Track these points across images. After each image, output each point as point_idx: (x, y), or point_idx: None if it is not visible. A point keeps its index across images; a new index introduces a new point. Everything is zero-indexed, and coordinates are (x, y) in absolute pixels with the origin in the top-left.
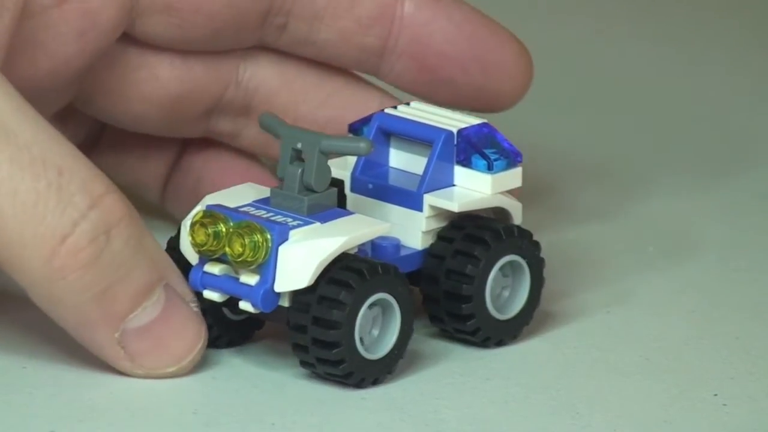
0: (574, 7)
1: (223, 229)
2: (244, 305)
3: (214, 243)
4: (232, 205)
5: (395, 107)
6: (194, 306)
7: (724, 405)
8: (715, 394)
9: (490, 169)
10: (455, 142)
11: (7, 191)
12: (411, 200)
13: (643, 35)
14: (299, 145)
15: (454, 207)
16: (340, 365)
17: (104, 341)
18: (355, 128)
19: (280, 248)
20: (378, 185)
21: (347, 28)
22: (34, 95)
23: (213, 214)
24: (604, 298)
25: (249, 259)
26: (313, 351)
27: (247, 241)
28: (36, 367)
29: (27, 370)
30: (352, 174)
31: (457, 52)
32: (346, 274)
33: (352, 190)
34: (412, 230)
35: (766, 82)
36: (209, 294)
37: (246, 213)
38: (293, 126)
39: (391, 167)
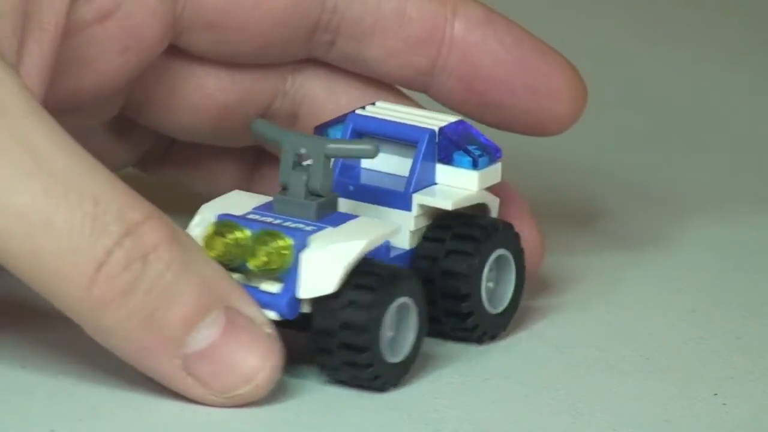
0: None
1: (242, 238)
2: (268, 315)
3: (235, 252)
4: (236, 214)
5: (363, 107)
6: (266, 328)
7: (724, 405)
8: (715, 394)
9: (475, 165)
10: (437, 140)
11: (43, 224)
12: (399, 200)
13: (639, 33)
14: (303, 151)
15: (448, 205)
16: (368, 369)
17: (166, 369)
18: (321, 131)
19: (302, 255)
20: (360, 186)
21: (395, 48)
22: (78, 110)
23: (228, 223)
24: (604, 298)
25: (274, 267)
26: (339, 355)
27: (271, 249)
28: (36, 367)
29: (27, 370)
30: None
31: (506, 76)
32: (372, 279)
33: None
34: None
35: (766, 81)
36: None
37: (259, 221)
38: (294, 131)
39: (364, 168)
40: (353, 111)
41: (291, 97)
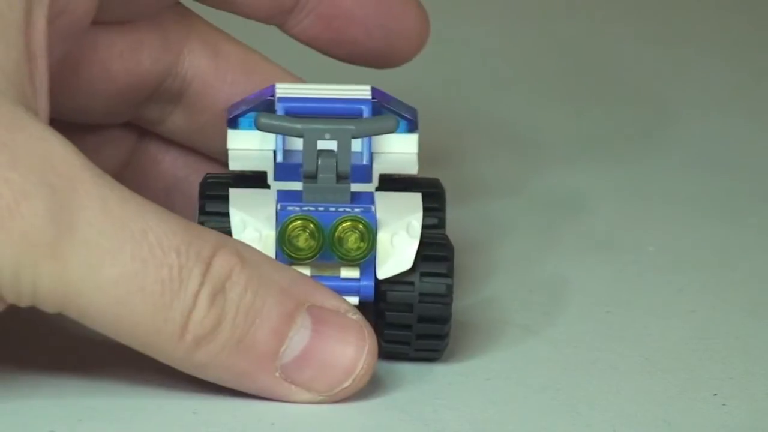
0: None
1: (319, 231)
2: (348, 300)
3: (320, 244)
4: (260, 211)
5: (273, 88)
6: (352, 314)
7: (724, 405)
8: (715, 394)
9: (411, 129)
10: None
11: (135, 289)
12: (359, 173)
13: (640, 36)
14: (327, 136)
15: (414, 170)
16: (445, 339)
17: (269, 385)
18: (235, 119)
19: (378, 241)
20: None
21: None
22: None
23: (303, 216)
24: (604, 298)
25: (365, 252)
26: (417, 329)
27: (360, 234)
28: (36, 368)
29: (27, 370)
30: (276, 163)
31: (364, 16)
32: (437, 249)
33: (278, 178)
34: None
35: (766, 81)
36: None
37: (324, 211)
38: (309, 119)
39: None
40: (270, 97)
41: (182, 76)
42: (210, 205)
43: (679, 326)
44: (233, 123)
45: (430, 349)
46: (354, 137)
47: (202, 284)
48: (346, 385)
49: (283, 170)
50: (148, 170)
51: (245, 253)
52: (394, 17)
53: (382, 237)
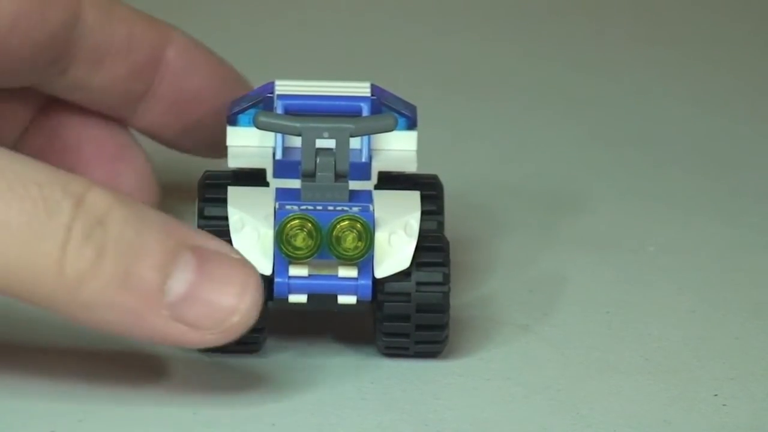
0: (572, 8)
1: (317, 230)
2: (346, 299)
3: (318, 243)
4: (258, 210)
5: (272, 85)
6: (233, 254)
7: (724, 405)
8: (715, 394)
9: (410, 126)
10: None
11: (1, 225)
12: (358, 171)
13: (639, 36)
14: (325, 135)
15: (413, 168)
16: (444, 330)
17: (157, 324)
18: (234, 116)
19: (376, 240)
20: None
21: (120, 74)
22: None
23: (301, 216)
24: (604, 298)
25: (362, 251)
26: (416, 318)
27: (358, 233)
28: (36, 368)
29: (27, 370)
30: (275, 160)
31: (211, 96)
32: (433, 240)
33: (277, 176)
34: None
35: (765, 82)
36: (294, 298)
37: (321, 210)
38: (307, 117)
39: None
40: (269, 94)
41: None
42: (208, 206)
43: (679, 326)
44: (232, 120)
45: (430, 341)
46: (352, 136)
47: (74, 217)
48: (234, 320)
49: (282, 167)
50: (49, 138)
51: (122, 196)
52: (239, 92)
53: (380, 236)
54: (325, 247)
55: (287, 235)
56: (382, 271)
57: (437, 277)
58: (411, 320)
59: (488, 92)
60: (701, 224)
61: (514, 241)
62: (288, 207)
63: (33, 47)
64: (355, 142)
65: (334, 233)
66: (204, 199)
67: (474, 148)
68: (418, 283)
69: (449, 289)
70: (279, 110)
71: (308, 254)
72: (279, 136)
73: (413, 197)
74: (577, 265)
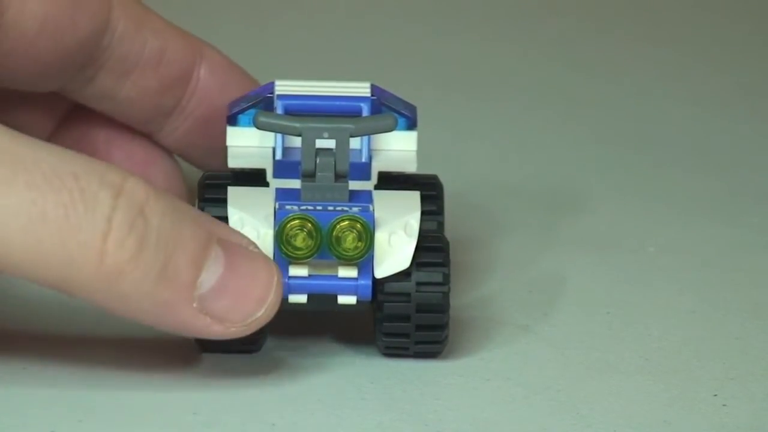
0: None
1: (317, 230)
2: (346, 300)
3: (318, 243)
4: (258, 210)
5: (272, 85)
6: (252, 247)
7: (724, 405)
8: (715, 394)
9: (410, 126)
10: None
11: (37, 217)
12: (358, 171)
13: (640, 37)
14: (325, 135)
15: (413, 168)
16: (444, 330)
17: (187, 316)
18: (234, 116)
19: (376, 240)
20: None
21: (149, 87)
22: None
23: (301, 216)
24: (604, 298)
25: (362, 251)
26: (416, 319)
27: (358, 234)
28: (36, 367)
29: (27, 370)
30: (275, 160)
31: None
32: (433, 240)
33: (277, 176)
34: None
35: (765, 82)
36: (294, 298)
37: (321, 210)
38: (307, 117)
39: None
40: (269, 94)
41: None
42: (208, 207)
43: (679, 326)
44: (233, 120)
45: (430, 341)
46: (352, 136)
47: (114, 208)
48: (258, 314)
49: (282, 168)
50: (77, 141)
51: (156, 187)
52: None
53: (380, 236)
54: (325, 247)
55: (287, 235)
56: (382, 271)
57: (437, 277)
58: (411, 320)
59: (488, 92)
60: (701, 224)
61: (514, 241)
62: (288, 207)
63: (60, 51)
64: (355, 143)
65: (334, 233)
66: (204, 200)
67: (474, 149)
68: (418, 284)
69: (449, 289)
70: (279, 110)
71: (308, 254)
72: (279, 136)
73: (413, 197)
74: (577, 266)
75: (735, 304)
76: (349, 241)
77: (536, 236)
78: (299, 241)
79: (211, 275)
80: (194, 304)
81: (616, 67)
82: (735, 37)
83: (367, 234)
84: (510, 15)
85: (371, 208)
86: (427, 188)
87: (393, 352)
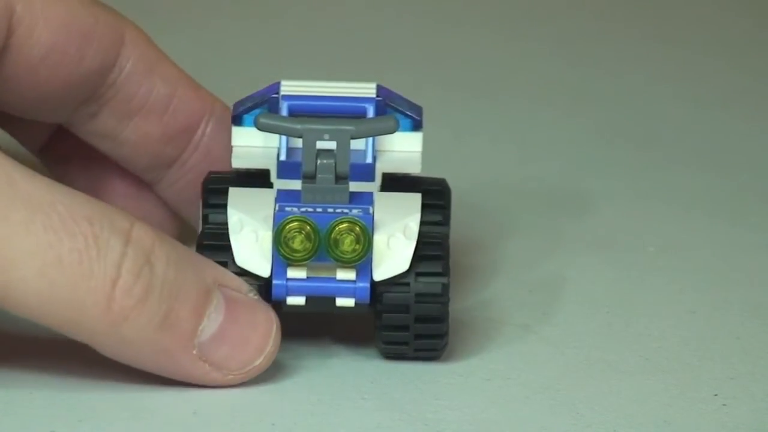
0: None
1: (316, 232)
2: (344, 302)
3: (316, 246)
4: (258, 211)
5: (278, 85)
6: (252, 295)
7: (724, 405)
8: (715, 394)
9: (416, 127)
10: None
11: (53, 261)
12: (361, 172)
13: (641, 36)
14: (326, 137)
15: (417, 169)
16: (443, 338)
17: (186, 363)
18: (239, 116)
19: (375, 243)
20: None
21: (153, 134)
22: None
23: (299, 218)
24: (604, 298)
25: (360, 254)
26: (415, 329)
27: (355, 236)
28: (36, 367)
29: (27, 370)
30: (279, 160)
31: None
32: (433, 248)
33: (280, 176)
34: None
35: (765, 82)
36: (293, 300)
37: (321, 212)
38: (308, 119)
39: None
40: (275, 94)
41: (113, 79)
42: (212, 204)
43: (679, 326)
44: (237, 120)
45: (429, 348)
46: (353, 138)
47: (124, 254)
48: (257, 363)
49: (286, 168)
50: (75, 147)
51: (160, 232)
52: None
53: (379, 239)
54: (323, 249)
55: (285, 237)
56: (380, 273)
57: (436, 288)
58: (410, 330)
59: (491, 93)
60: (701, 224)
61: (514, 242)
62: (288, 209)
63: (63, 82)
64: (359, 143)
65: (332, 236)
66: (208, 206)
67: (476, 149)
68: (417, 295)
69: (448, 300)
70: (284, 111)
71: (306, 257)
72: (283, 136)
73: (414, 200)
74: (577, 266)
75: (735, 304)
76: (347, 243)
77: (537, 236)
78: (297, 244)
79: (211, 323)
80: (194, 352)
81: (617, 67)
82: (736, 36)
83: (365, 237)
84: (512, 13)
85: (371, 210)
86: (434, 196)
87: (392, 356)
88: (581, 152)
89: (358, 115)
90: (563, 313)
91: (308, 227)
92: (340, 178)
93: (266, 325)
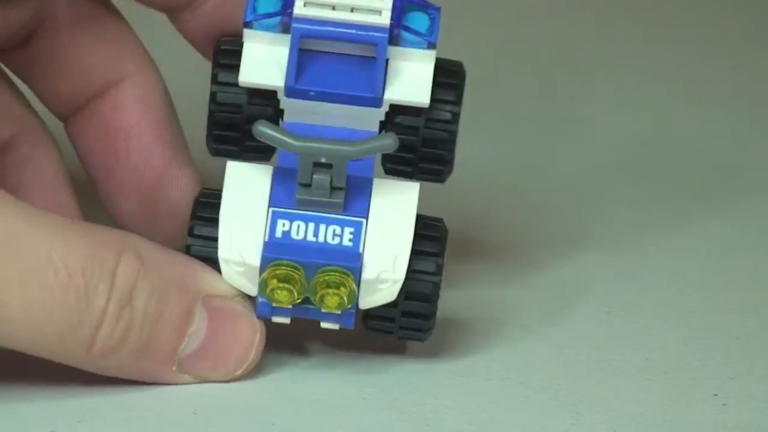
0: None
1: (302, 281)
2: (329, 326)
3: (301, 296)
4: (252, 199)
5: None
6: (239, 299)
7: (724, 405)
8: (715, 394)
9: (430, 45)
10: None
11: (45, 318)
12: (368, 99)
13: (640, 37)
14: (323, 160)
15: (426, 100)
16: (431, 319)
17: (168, 377)
18: (250, 22)
19: (363, 281)
20: (321, 92)
21: None
22: None
23: (282, 264)
24: (604, 298)
25: (346, 305)
26: (404, 305)
27: (341, 293)
28: (36, 368)
29: (27, 370)
30: (287, 83)
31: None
32: (429, 228)
33: (288, 95)
34: (369, 122)
35: (765, 81)
36: (278, 319)
37: (307, 248)
38: (307, 137)
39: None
40: (287, 11)
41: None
42: (222, 64)
43: (679, 326)
44: (249, 25)
45: (416, 328)
46: (350, 160)
47: (108, 299)
48: (237, 373)
49: (296, 91)
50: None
51: (143, 251)
52: None
53: (367, 276)
54: (309, 296)
55: (270, 289)
56: (367, 303)
57: (430, 266)
58: (398, 306)
59: (488, 92)
60: (701, 224)
61: (514, 241)
62: (280, 221)
63: None
64: (371, 71)
65: (319, 293)
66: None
67: (473, 148)
68: (411, 271)
69: (440, 279)
70: (294, 35)
71: (291, 303)
72: (293, 53)
73: (408, 220)
74: (577, 266)
75: (735, 304)
76: (332, 301)
77: (536, 236)
78: (281, 296)
79: (192, 342)
80: (173, 367)
81: (616, 67)
82: (735, 37)
83: (350, 292)
84: (510, 14)
85: (360, 251)
86: (449, 75)
87: (376, 330)
88: (581, 152)
89: (366, 44)
90: (563, 313)
91: (295, 276)
92: (334, 189)
93: (249, 336)
